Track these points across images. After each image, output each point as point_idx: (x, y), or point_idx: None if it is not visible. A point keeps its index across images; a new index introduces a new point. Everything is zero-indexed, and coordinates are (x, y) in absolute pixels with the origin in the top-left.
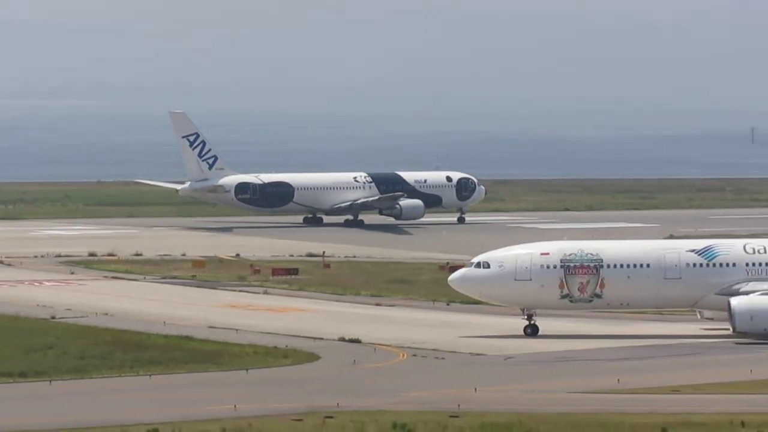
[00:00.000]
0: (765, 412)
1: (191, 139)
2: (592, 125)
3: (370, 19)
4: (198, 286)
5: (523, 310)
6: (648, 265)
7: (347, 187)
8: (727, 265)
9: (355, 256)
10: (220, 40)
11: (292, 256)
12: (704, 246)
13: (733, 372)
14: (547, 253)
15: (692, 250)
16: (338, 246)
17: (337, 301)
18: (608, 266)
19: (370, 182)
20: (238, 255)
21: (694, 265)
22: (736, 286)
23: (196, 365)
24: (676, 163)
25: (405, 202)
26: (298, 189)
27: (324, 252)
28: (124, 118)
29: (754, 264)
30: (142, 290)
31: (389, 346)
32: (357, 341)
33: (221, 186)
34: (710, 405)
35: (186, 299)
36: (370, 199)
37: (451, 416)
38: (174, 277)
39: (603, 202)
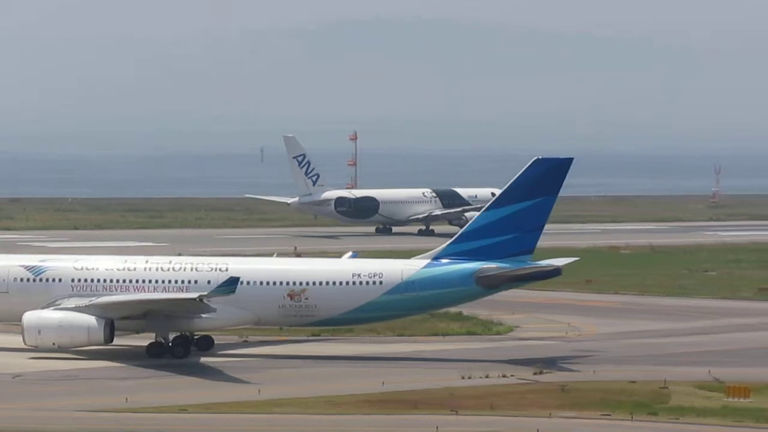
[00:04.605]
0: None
1: (299, 159)
2: (122, 145)
3: None
4: None
5: None
6: None
7: (419, 201)
8: (54, 280)
9: None
10: None
11: None
12: (36, 262)
13: (241, 391)
14: None
15: (23, 266)
16: None
17: None
18: None
19: (435, 197)
20: None
21: (23, 279)
22: (59, 301)
23: None
24: (191, 183)
25: (470, 214)
26: (382, 203)
27: None
28: None
29: (80, 280)
30: None
31: None
32: None
33: (326, 200)
34: (217, 424)
35: None
36: (450, 211)
37: None
38: None
39: (112, 221)
